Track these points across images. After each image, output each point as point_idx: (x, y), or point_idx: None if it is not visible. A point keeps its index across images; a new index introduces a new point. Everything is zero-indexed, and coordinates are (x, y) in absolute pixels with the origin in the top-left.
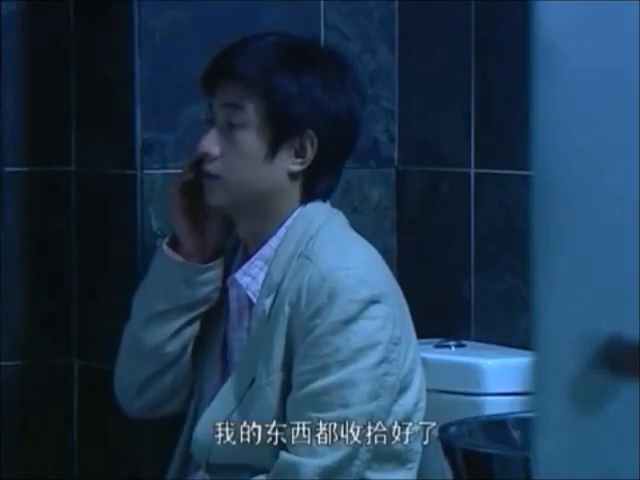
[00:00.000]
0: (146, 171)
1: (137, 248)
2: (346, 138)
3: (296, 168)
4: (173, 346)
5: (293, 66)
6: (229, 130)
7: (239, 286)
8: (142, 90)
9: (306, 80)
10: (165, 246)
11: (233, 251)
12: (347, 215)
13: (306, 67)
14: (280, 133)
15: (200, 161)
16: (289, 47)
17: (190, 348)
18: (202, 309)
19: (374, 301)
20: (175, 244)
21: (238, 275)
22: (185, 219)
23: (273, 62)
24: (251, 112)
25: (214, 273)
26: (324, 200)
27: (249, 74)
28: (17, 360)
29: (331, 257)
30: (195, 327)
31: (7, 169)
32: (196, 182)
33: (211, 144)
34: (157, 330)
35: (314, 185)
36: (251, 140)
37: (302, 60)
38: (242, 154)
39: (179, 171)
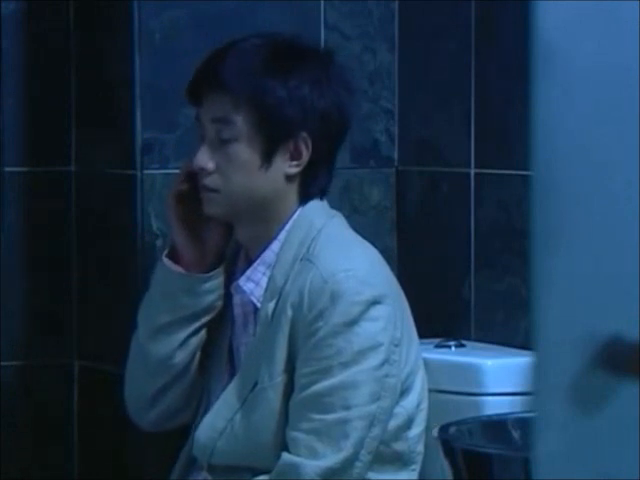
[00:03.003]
0: (146, 171)
1: (137, 248)
2: (338, 133)
3: (293, 171)
4: (181, 357)
5: (279, 69)
6: (221, 143)
7: (243, 292)
8: (142, 90)
9: (293, 82)
10: (165, 258)
11: (234, 256)
12: (347, 215)
13: (291, 68)
14: (273, 140)
15: (193, 172)
16: (272, 49)
17: (198, 357)
18: (207, 318)
19: (376, 302)
20: (175, 255)
21: (241, 281)
22: (183, 229)
23: (258, 69)
24: (241, 124)
25: (216, 281)
26: (321, 198)
27: (235, 86)
28: (17, 360)
29: (332, 259)
30: (201, 336)
31: (7, 169)
32: (192, 191)
33: (205, 159)
34: (164, 342)
35: (311, 184)
36: (244, 152)
37: (287, 61)
38: (237, 167)
39: (179, 171)
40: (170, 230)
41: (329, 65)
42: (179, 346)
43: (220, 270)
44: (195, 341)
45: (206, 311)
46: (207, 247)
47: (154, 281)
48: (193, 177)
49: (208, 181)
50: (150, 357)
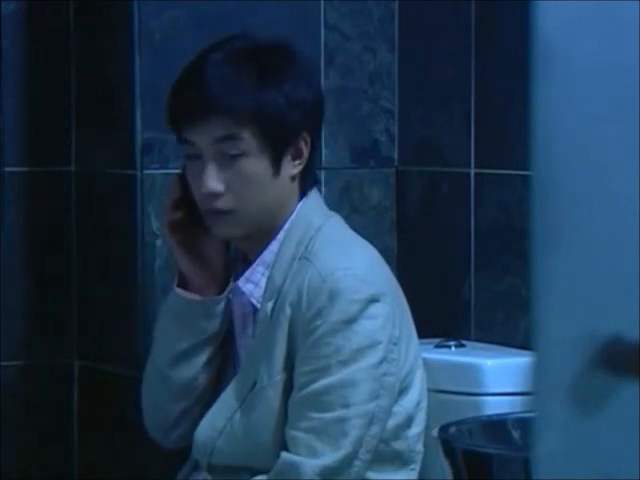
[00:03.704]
0: (146, 171)
1: (137, 248)
2: (323, 118)
3: (296, 171)
4: (204, 378)
5: (270, 77)
6: (228, 161)
7: (242, 293)
8: (142, 90)
9: (287, 85)
10: (178, 288)
11: (233, 258)
12: (347, 215)
13: (279, 71)
14: (280, 148)
15: (182, 198)
16: (246, 57)
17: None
18: (223, 335)
19: (374, 300)
20: (184, 280)
21: (241, 282)
22: (187, 256)
23: (251, 82)
24: (248, 139)
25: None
26: (316, 187)
27: (237, 105)
28: (17, 360)
29: (331, 258)
30: (219, 353)
31: (7, 169)
32: (184, 217)
33: (213, 181)
34: (187, 367)
35: (308, 176)
36: (256, 165)
37: (270, 66)
38: (250, 182)
39: (179, 171)
40: (174, 260)
41: (297, 54)
42: (202, 368)
43: (230, 287)
44: (216, 360)
45: (222, 330)
46: (214, 266)
47: (167, 310)
48: (181, 202)
49: (220, 204)
50: (173, 382)
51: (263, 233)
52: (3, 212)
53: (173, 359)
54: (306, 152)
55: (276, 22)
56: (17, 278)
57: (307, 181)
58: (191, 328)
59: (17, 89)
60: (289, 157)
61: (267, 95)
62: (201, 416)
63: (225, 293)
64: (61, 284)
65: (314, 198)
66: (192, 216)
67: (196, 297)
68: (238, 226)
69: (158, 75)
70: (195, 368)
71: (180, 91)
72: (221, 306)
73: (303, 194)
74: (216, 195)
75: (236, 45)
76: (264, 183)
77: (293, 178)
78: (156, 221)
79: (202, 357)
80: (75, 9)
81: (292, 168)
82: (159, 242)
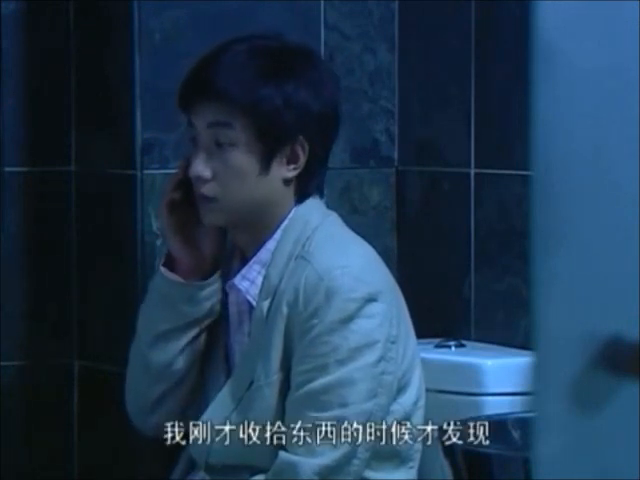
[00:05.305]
0: (146, 171)
1: (137, 248)
2: (333, 132)
3: (290, 175)
4: (181, 363)
5: (274, 75)
6: (217, 149)
7: (238, 290)
8: (142, 90)
9: (289, 86)
10: (163, 268)
11: (229, 255)
12: (347, 215)
13: (286, 72)
14: (271, 147)
15: (184, 179)
16: (263, 53)
17: (198, 362)
18: (207, 322)
19: (371, 299)
20: (172, 262)
21: (237, 280)
22: (178, 237)
23: (253, 75)
24: (239, 130)
25: (215, 286)
26: (319, 195)
27: (232, 96)
28: (17, 360)
29: (328, 256)
30: (201, 340)
31: (7, 169)
32: (183, 199)
33: (201, 166)
34: (165, 349)
35: (307, 185)
36: (242, 158)
37: (280, 65)
38: (235, 174)
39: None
40: (165, 239)
41: (319, 62)
42: (180, 352)
43: (218, 274)
44: (195, 346)
45: (206, 316)
46: (204, 253)
47: (152, 289)
48: (184, 184)
49: (205, 190)
50: (151, 364)
51: (255, 228)
52: (3, 212)
53: (153, 339)
54: (302, 158)
55: (276, 22)
56: (17, 278)
57: (305, 188)
58: (172, 310)
59: (17, 89)
60: (283, 159)
61: (265, 90)
62: (181, 404)
63: (208, 281)
64: (61, 284)
65: (313, 200)
66: (191, 200)
67: (178, 279)
68: (220, 214)
69: (158, 75)
70: (173, 351)
71: (192, 72)
72: (204, 293)
73: (301, 200)
74: (203, 180)
75: (261, 42)
76: (249, 178)
77: (287, 182)
78: (156, 221)
79: (182, 341)
80: (75, 9)
81: (286, 171)
82: (159, 242)
